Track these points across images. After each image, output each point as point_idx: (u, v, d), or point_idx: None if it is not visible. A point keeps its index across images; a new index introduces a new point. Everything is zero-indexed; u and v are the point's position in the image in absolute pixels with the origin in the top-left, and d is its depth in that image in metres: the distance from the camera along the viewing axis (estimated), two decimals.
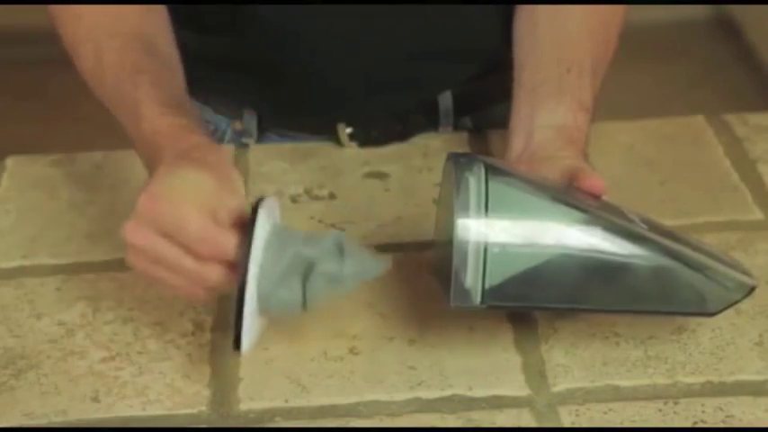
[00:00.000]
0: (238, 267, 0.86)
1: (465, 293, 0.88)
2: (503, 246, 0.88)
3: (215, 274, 0.89)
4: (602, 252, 0.90)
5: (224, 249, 0.88)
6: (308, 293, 0.89)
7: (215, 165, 0.93)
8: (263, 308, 0.88)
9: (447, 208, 0.92)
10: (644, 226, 0.93)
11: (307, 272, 0.89)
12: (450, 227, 0.89)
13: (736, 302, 0.94)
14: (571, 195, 0.94)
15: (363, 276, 0.91)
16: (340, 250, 0.89)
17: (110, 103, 1.07)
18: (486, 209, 0.89)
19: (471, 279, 0.88)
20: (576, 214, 0.91)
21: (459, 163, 0.91)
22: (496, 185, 0.90)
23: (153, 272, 0.91)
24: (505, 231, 0.89)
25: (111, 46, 1.08)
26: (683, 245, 0.93)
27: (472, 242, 0.88)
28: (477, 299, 0.89)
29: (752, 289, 0.94)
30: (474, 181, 0.90)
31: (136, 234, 0.90)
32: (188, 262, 0.89)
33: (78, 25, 1.11)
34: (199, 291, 0.91)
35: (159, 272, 0.90)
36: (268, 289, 0.88)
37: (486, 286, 0.88)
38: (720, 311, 0.93)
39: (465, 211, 0.89)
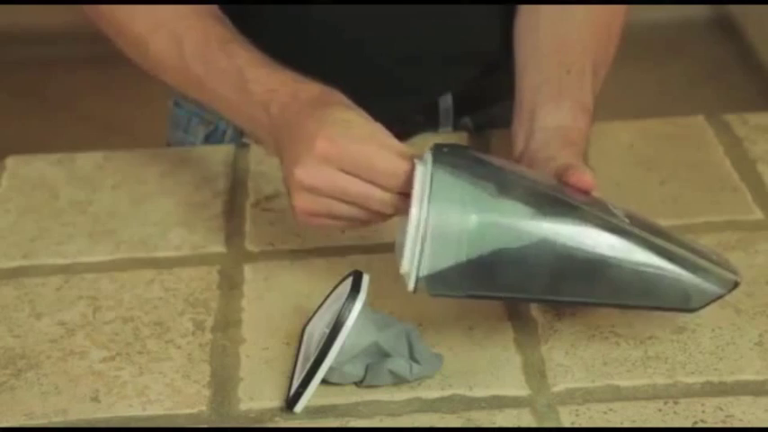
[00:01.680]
0: (325, 342, 0.89)
1: (404, 278, 0.91)
2: (440, 235, 0.89)
3: (400, 202, 0.93)
4: (582, 243, 0.90)
5: (408, 180, 0.92)
6: (369, 376, 0.92)
7: (354, 106, 0.98)
8: (324, 376, 0.90)
9: None
10: (626, 220, 0.93)
11: (376, 359, 0.92)
12: None
13: (718, 298, 0.93)
14: (558, 191, 0.94)
15: (421, 377, 0.93)
16: (410, 348, 0.92)
17: (198, 85, 1.07)
18: (430, 198, 0.90)
19: (407, 264, 0.90)
20: (549, 208, 0.91)
21: (440, 152, 0.93)
22: (441, 175, 0.91)
23: (334, 209, 0.95)
24: (444, 220, 0.90)
25: (189, 26, 1.08)
26: (666, 240, 0.93)
27: (413, 228, 0.89)
28: (411, 285, 0.91)
29: (735, 285, 0.93)
30: (421, 169, 0.91)
31: (318, 175, 0.94)
32: (377, 193, 0.93)
33: (136, 19, 1.10)
34: (376, 219, 0.96)
35: (340, 209, 0.95)
36: (336, 363, 0.90)
37: (421, 273, 0.90)
38: (702, 307, 0.93)
39: (414, 199, 0.90)
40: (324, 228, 0.99)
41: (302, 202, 0.95)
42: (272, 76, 1.03)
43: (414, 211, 0.90)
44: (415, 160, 0.93)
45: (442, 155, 0.92)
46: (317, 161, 0.94)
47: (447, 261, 0.90)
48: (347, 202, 0.95)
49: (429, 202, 0.89)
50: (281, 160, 0.99)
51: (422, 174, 0.90)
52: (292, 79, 1.02)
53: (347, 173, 0.94)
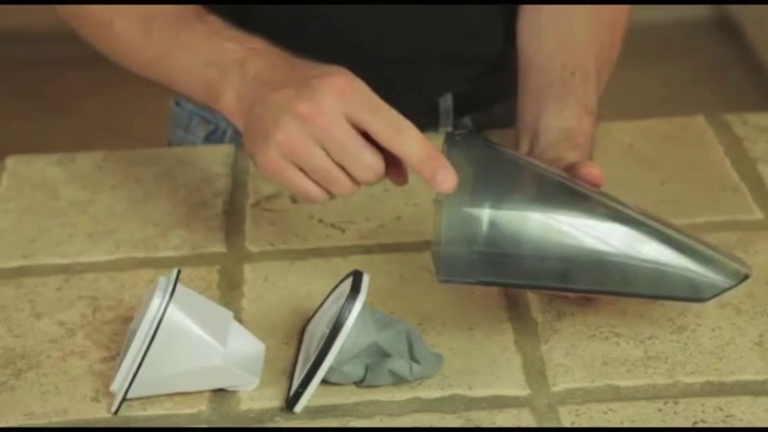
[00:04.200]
0: (325, 342, 0.89)
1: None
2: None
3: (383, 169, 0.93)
4: (594, 231, 0.91)
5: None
6: (369, 376, 0.92)
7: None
8: (324, 376, 0.90)
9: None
10: (637, 210, 0.93)
11: (376, 359, 0.92)
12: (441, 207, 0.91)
13: (728, 289, 0.93)
14: (569, 181, 0.94)
15: (421, 377, 0.93)
16: (410, 348, 0.92)
17: (158, 56, 1.06)
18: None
19: (117, 385, 0.90)
20: (561, 196, 0.92)
21: (453, 140, 0.93)
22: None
23: (313, 152, 0.92)
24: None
25: (162, 8, 1.07)
26: (677, 232, 0.94)
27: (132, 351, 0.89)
28: (114, 407, 0.90)
29: (745, 277, 0.93)
30: (156, 301, 0.90)
31: (321, 109, 0.92)
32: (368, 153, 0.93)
33: (107, 8, 1.10)
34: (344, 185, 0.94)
35: (317, 155, 0.92)
36: (336, 363, 0.90)
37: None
38: (712, 298, 0.93)
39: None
40: (285, 181, 0.95)
41: (287, 134, 0.92)
42: (251, 39, 1.01)
43: (139, 335, 0.89)
44: (157, 291, 0.91)
45: (455, 143, 0.92)
46: (332, 94, 0.92)
47: (459, 249, 0.90)
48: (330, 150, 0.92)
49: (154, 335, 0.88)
50: (253, 118, 0.95)
51: (155, 307, 0.89)
52: (271, 46, 1.00)
53: (351, 119, 0.92)
